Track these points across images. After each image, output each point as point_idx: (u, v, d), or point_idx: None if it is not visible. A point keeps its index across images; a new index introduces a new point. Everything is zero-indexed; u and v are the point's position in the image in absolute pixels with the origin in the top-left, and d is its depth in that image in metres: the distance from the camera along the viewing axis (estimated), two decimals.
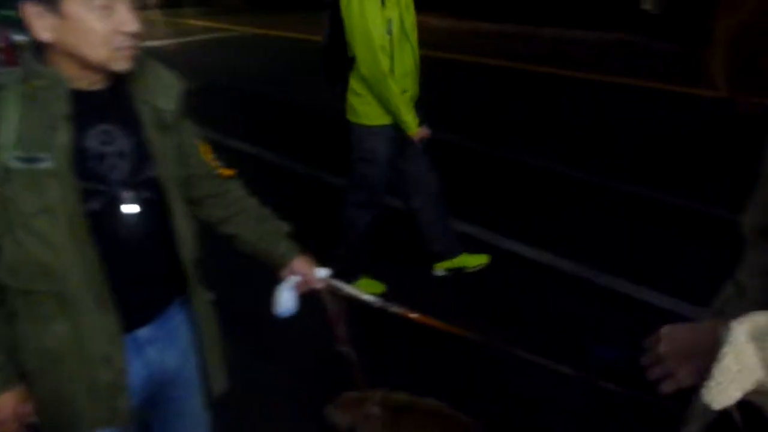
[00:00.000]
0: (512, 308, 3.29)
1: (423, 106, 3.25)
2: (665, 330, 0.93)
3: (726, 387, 0.79)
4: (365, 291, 3.41)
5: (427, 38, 3.88)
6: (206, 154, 1.58)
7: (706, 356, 0.80)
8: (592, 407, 2.52)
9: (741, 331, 0.79)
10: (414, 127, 3.05)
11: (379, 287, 3.36)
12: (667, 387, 0.90)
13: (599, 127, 6.06)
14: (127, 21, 1.26)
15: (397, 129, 3.12)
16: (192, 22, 14.40)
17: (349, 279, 3.38)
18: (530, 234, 3.98)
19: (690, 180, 4.66)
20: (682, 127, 5.79)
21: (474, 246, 3.71)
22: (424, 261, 3.59)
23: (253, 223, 1.65)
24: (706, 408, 0.83)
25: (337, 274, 1.74)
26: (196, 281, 1.52)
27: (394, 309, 1.82)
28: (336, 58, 3.08)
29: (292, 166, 5.37)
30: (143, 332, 1.44)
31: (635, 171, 4.89)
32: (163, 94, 1.42)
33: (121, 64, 1.30)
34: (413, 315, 1.84)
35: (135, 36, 1.29)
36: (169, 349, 1.51)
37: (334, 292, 1.73)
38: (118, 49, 1.27)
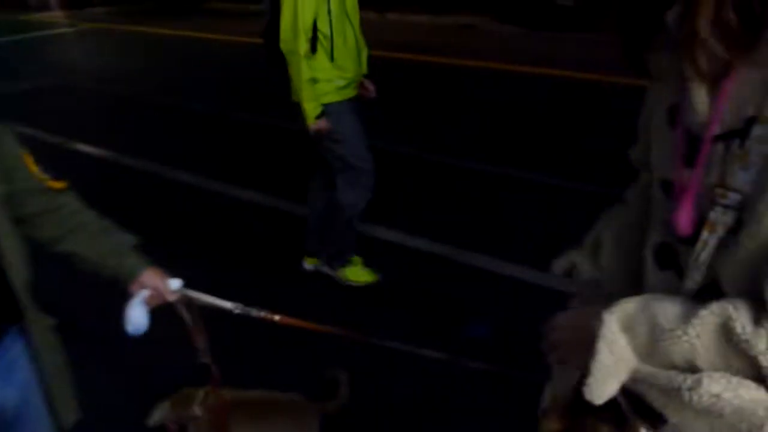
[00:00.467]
0: (381, 291, 3.36)
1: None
2: (558, 318, 0.95)
3: (604, 381, 0.80)
4: (357, 279, 3.42)
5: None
6: (32, 167, 1.43)
7: (588, 347, 0.81)
8: (462, 390, 2.63)
9: (612, 322, 0.80)
10: (311, 117, 3.04)
11: (371, 276, 3.39)
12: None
13: (448, 108, 6.36)
14: None
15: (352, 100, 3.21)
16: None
17: (342, 263, 3.40)
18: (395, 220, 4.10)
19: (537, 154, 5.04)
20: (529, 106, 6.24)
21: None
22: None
23: (92, 238, 1.51)
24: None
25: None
26: (32, 307, 1.39)
27: (257, 313, 1.77)
28: (276, 41, 3.06)
29: (148, 168, 5.15)
30: None
31: (481, 148, 5.22)
32: None
33: None
34: (277, 317, 1.80)
35: None
36: (8, 385, 1.38)
37: (189, 303, 1.64)
38: None
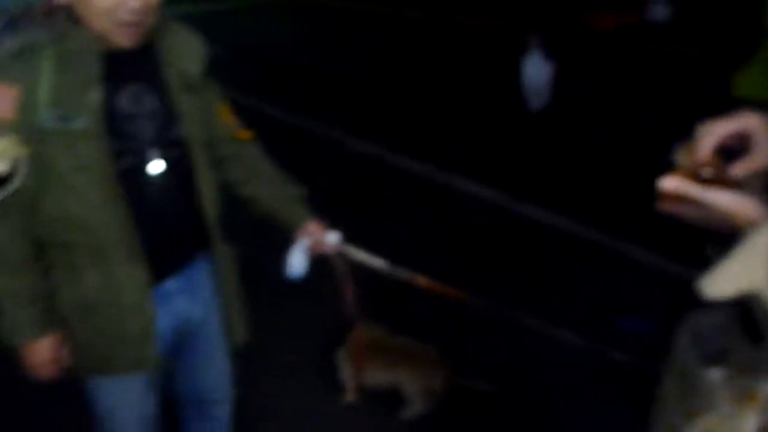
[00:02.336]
0: (534, 278, 3.37)
1: None
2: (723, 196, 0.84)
3: (722, 283, 0.79)
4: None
5: None
6: (226, 116, 1.63)
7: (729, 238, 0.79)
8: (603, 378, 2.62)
9: (764, 235, 0.77)
10: None
11: None
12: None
13: None
14: None
15: None
16: None
17: None
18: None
19: None
20: None
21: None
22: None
23: (268, 186, 1.70)
24: None
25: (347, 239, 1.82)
26: (219, 237, 1.59)
27: (403, 274, 1.92)
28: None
29: (313, 129, 5.46)
30: (170, 284, 1.53)
31: None
32: (189, 56, 1.47)
33: (124, 40, 1.32)
34: (421, 280, 1.93)
35: (140, 12, 1.29)
36: (194, 301, 1.60)
37: (343, 257, 1.79)
38: (120, 23, 1.29)
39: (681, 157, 0.87)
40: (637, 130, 5.15)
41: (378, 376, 2.39)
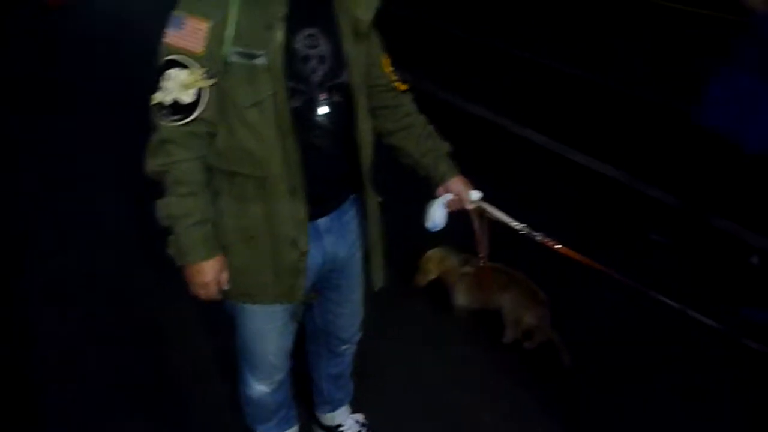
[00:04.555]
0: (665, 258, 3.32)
1: None
2: None
3: None
4: None
5: None
6: (387, 67, 1.67)
7: None
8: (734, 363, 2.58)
9: None
10: None
11: None
12: None
13: None
14: None
15: None
16: None
17: None
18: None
19: None
20: None
21: None
22: None
23: (418, 138, 1.73)
24: None
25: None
26: (370, 183, 1.65)
27: (539, 238, 1.90)
28: None
29: (449, 98, 5.44)
30: (322, 222, 1.60)
31: None
32: (363, 4, 1.49)
33: None
34: (558, 246, 1.91)
35: None
36: (342, 240, 1.67)
37: (482, 214, 1.81)
38: None
39: None
40: None
41: (486, 299, 2.72)
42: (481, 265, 2.26)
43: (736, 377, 2.56)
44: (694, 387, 2.52)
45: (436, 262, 2.79)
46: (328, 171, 1.55)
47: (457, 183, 1.75)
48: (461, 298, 2.80)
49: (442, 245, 2.80)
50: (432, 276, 2.81)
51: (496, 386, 2.50)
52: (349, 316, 1.88)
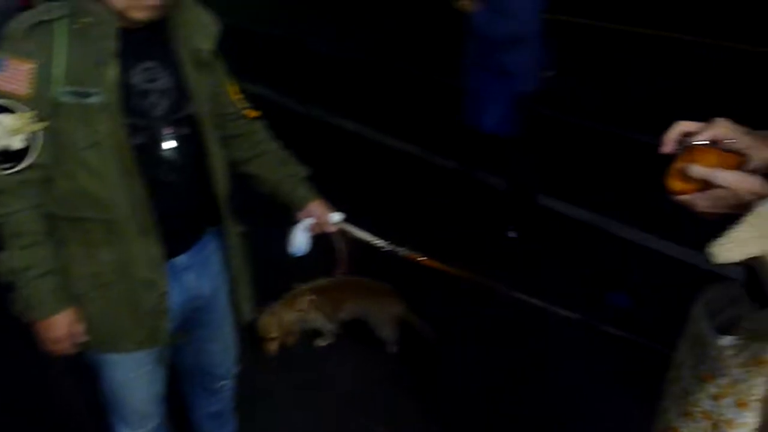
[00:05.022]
0: (530, 256, 3.46)
1: None
2: (732, 175, 0.92)
3: (730, 248, 0.87)
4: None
5: None
6: (234, 95, 1.64)
7: (736, 212, 0.88)
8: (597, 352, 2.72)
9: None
10: None
11: None
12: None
13: None
14: None
15: None
16: None
17: None
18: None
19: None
20: None
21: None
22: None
23: (274, 165, 1.72)
24: None
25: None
26: (228, 214, 1.62)
27: (403, 253, 1.98)
28: None
29: (309, 111, 5.46)
30: (181, 259, 1.55)
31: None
32: (201, 33, 1.47)
33: (140, 15, 1.32)
34: (421, 258, 2.00)
35: None
36: (204, 276, 1.63)
37: (344, 236, 1.82)
38: (132, 2, 1.30)
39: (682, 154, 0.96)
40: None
41: (351, 310, 2.72)
42: (322, 283, 2.41)
43: (602, 366, 2.70)
44: (567, 384, 2.64)
45: (275, 327, 2.66)
46: (180, 206, 1.51)
47: (316, 206, 1.74)
48: (320, 321, 2.76)
49: (275, 302, 2.68)
50: (278, 338, 2.69)
51: (386, 401, 2.53)
52: (221, 352, 1.84)
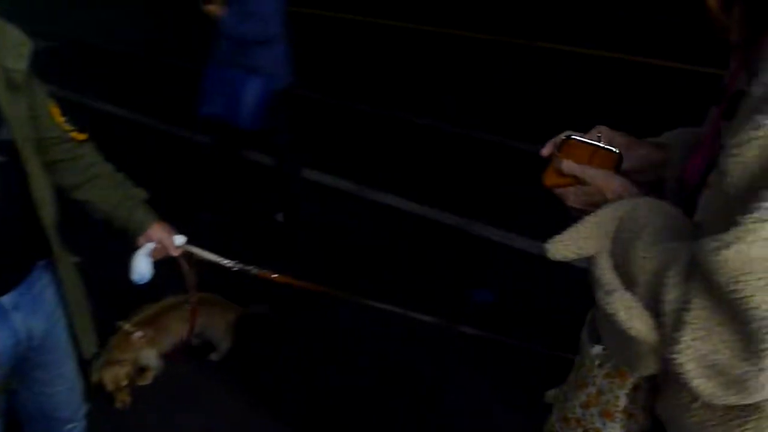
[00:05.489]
0: (387, 259, 3.53)
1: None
2: (598, 173, 0.96)
3: (567, 245, 0.89)
4: None
5: None
6: (57, 117, 1.53)
7: (589, 207, 0.91)
8: (455, 354, 2.81)
9: (615, 207, 0.89)
10: None
11: None
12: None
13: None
14: None
15: None
16: None
17: None
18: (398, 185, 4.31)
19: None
20: None
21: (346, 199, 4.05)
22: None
23: (107, 189, 1.63)
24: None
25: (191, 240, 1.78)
26: (59, 245, 1.52)
27: (255, 271, 1.98)
28: None
29: (152, 124, 5.42)
30: (7, 298, 1.43)
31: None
32: (12, 53, 1.37)
33: None
34: (274, 275, 2.00)
35: None
36: (36, 314, 1.52)
37: (189, 258, 1.77)
38: None
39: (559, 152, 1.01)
40: None
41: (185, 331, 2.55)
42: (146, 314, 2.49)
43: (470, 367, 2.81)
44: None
45: (110, 381, 2.50)
46: (3, 240, 1.39)
47: (157, 230, 1.68)
48: (153, 358, 2.65)
49: (106, 349, 2.50)
50: (117, 390, 2.53)
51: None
52: (65, 392, 1.71)
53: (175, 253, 1.73)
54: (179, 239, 1.74)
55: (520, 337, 2.75)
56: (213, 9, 3.19)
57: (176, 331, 2.63)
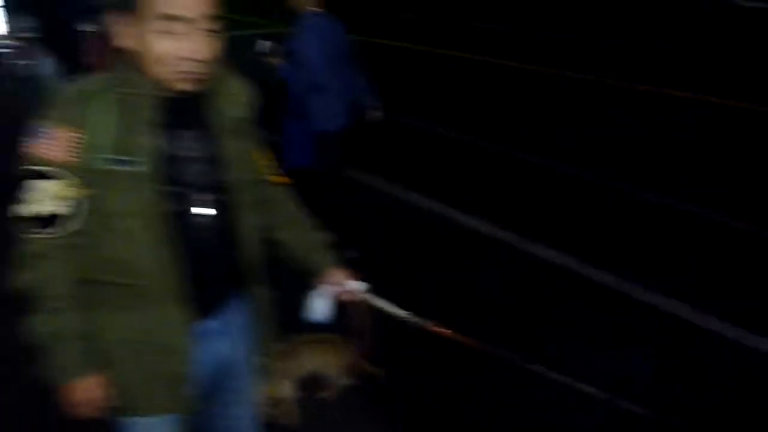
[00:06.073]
0: (539, 316, 3.38)
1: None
2: None
3: None
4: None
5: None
6: (262, 160, 1.66)
7: None
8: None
9: None
10: None
11: None
12: None
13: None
14: (189, 47, 1.31)
15: None
16: None
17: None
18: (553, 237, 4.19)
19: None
20: None
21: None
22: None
23: (300, 232, 1.74)
24: None
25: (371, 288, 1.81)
26: (258, 279, 1.61)
27: (430, 326, 1.95)
28: None
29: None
30: (209, 324, 1.54)
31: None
32: (235, 102, 1.51)
33: (182, 85, 1.36)
34: (449, 332, 1.96)
35: (200, 62, 1.33)
36: (232, 342, 1.62)
37: (364, 306, 1.81)
38: (177, 71, 1.33)
39: None
40: None
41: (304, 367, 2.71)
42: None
43: None
44: None
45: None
46: (210, 272, 1.51)
47: (339, 274, 1.75)
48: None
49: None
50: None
51: None
52: (244, 418, 1.78)
53: (353, 298, 1.78)
54: (358, 285, 1.78)
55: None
56: (273, 61, 3.58)
57: (313, 365, 2.72)
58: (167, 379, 1.50)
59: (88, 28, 4.91)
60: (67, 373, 1.44)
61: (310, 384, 2.77)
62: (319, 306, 1.76)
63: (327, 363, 2.76)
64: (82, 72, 1.45)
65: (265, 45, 3.58)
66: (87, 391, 1.46)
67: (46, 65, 5.62)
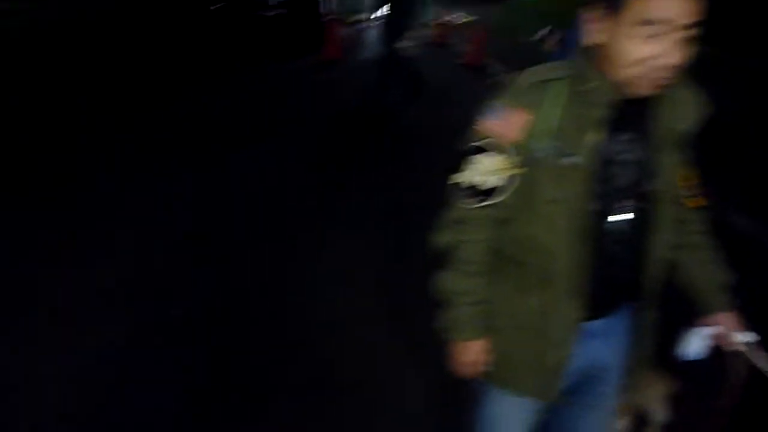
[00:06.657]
0: None
1: None
2: None
3: None
4: None
5: None
6: (682, 180, 1.57)
7: None
8: None
9: None
10: None
11: None
12: None
13: None
14: (668, 53, 1.27)
15: None
16: None
17: None
18: None
19: None
20: None
21: None
22: None
23: (699, 260, 1.65)
24: None
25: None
26: (651, 296, 1.57)
27: None
28: None
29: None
30: (595, 325, 1.55)
31: None
32: (683, 114, 1.45)
33: (645, 90, 1.33)
34: None
35: (670, 68, 1.29)
36: (610, 347, 1.61)
37: (744, 359, 1.65)
38: (648, 77, 1.30)
39: None
40: None
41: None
42: None
43: None
44: None
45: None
46: (612, 277, 1.51)
47: (727, 318, 1.64)
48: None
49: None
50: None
51: None
52: (596, 424, 1.77)
53: (735, 348, 1.65)
54: (745, 336, 1.65)
55: None
56: (548, 46, 3.44)
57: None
58: (544, 367, 1.55)
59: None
60: (463, 332, 1.57)
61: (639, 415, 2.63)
62: (696, 344, 1.69)
63: (658, 397, 2.60)
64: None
65: (544, 32, 3.69)
66: (474, 353, 1.58)
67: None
